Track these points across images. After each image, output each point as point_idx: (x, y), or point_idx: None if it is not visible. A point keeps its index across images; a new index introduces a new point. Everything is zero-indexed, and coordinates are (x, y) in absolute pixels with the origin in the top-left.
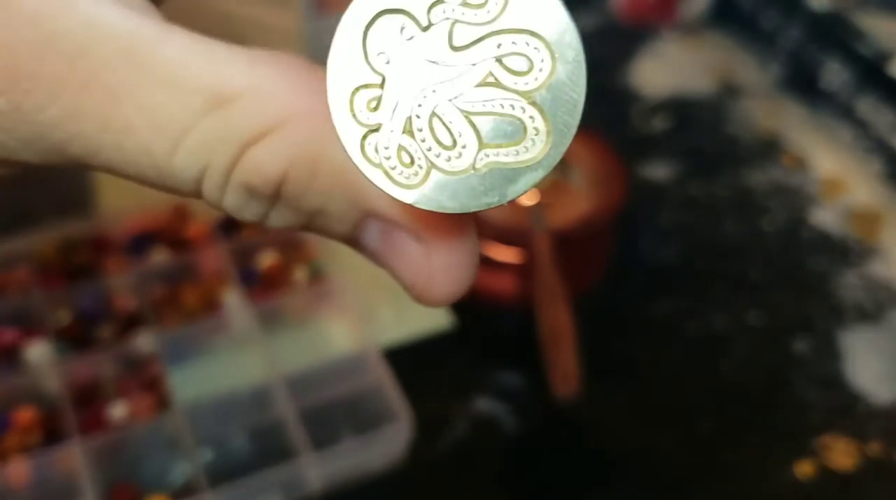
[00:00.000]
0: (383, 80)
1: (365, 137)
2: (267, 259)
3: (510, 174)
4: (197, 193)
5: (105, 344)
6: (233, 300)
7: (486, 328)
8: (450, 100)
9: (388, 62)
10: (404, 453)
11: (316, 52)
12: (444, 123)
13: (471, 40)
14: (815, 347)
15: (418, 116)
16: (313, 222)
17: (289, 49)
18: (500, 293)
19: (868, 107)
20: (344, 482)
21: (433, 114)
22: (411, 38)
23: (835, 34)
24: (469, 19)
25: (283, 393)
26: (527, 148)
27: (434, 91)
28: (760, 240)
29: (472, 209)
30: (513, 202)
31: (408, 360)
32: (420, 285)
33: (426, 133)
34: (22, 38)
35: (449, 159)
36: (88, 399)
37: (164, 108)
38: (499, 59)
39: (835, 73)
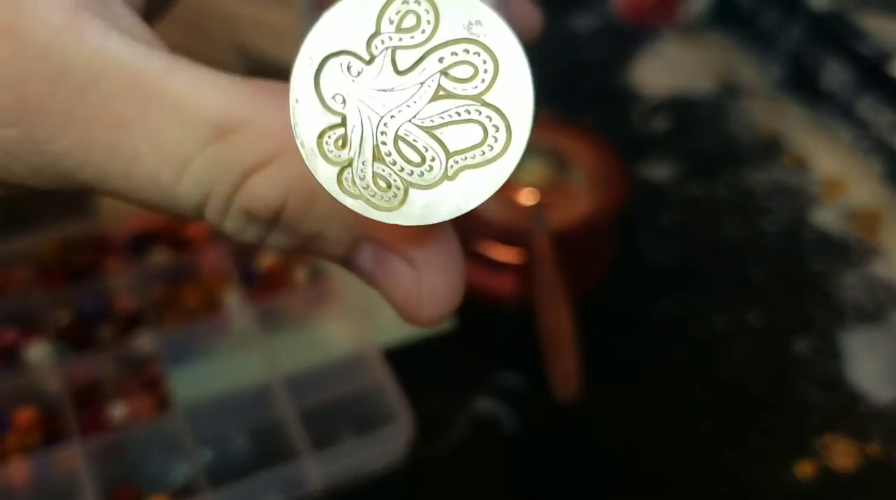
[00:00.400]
0: (343, 118)
1: (340, 173)
2: (267, 260)
3: (482, 174)
4: (199, 217)
5: (105, 344)
6: (233, 301)
7: (487, 328)
8: (409, 120)
9: (343, 101)
10: (405, 453)
11: None
12: (409, 143)
13: (413, 61)
14: (816, 347)
15: (384, 143)
16: (309, 245)
17: (290, 47)
18: (500, 294)
19: (868, 107)
20: (344, 482)
21: (397, 137)
22: (359, 73)
23: (835, 34)
24: (406, 43)
25: (284, 393)
26: (491, 146)
27: (392, 116)
28: (761, 240)
29: (455, 214)
30: (510, 201)
31: (408, 360)
32: (410, 306)
33: (395, 156)
34: (34, 70)
35: (422, 174)
36: (89, 399)
37: (170, 137)
38: (444, 72)
39: (835, 74)
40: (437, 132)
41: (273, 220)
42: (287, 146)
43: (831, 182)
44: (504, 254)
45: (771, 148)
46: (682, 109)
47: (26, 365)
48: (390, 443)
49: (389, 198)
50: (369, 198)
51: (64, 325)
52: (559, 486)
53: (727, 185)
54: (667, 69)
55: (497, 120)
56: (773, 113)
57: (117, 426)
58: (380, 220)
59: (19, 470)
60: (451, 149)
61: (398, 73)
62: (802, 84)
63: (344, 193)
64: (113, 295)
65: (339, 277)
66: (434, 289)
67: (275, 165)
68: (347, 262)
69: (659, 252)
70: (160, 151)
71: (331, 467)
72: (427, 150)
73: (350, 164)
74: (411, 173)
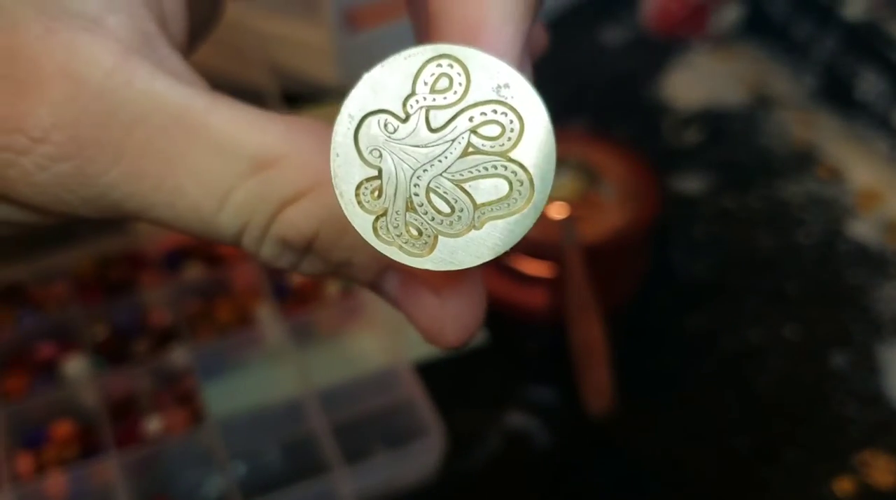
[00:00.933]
0: (380, 171)
1: (376, 221)
2: (299, 274)
3: (506, 225)
4: (237, 244)
5: (140, 358)
6: (266, 315)
7: (519, 343)
8: (440, 174)
9: (380, 156)
10: (437, 468)
11: (345, 68)
12: (440, 195)
13: (446, 120)
14: (854, 361)
15: (416, 194)
16: (340, 271)
17: (320, 64)
18: (532, 308)
19: None
20: (376, 496)
21: (429, 189)
22: (395, 130)
23: (869, 44)
24: (440, 103)
25: (316, 407)
26: (516, 199)
27: (425, 170)
28: (796, 253)
29: (480, 262)
30: (542, 215)
31: (439, 374)
32: (434, 331)
33: (427, 207)
34: (88, 110)
35: (451, 224)
36: (124, 413)
37: (211, 171)
38: (473, 131)
39: (870, 84)
40: (466, 185)
41: (306, 248)
42: (321, 180)
43: (867, 193)
44: (535, 268)
45: (805, 159)
46: (714, 121)
47: (64, 379)
48: (422, 458)
49: (420, 245)
50: (402, 245)
51: (100, 339)
52: None
53: (761, 197)
54: (698, 81)
55: (521, 175)
56: (806, 124)
57: (152, 440)
58: (412, 265)
59: (57, 483)
60: (479, 201)
61: (431, 130)
62: (836, 94)
63: (378, 239)
64: (148, 310)
65: (370, 292)
66: (457, 315)
67: (309, 197)
68: (374, 287)
69: (692, 265)
70: (202, 184)
71: (362, 481)
72: (456, 201)
73: (385, 213)
74: (441, 223)
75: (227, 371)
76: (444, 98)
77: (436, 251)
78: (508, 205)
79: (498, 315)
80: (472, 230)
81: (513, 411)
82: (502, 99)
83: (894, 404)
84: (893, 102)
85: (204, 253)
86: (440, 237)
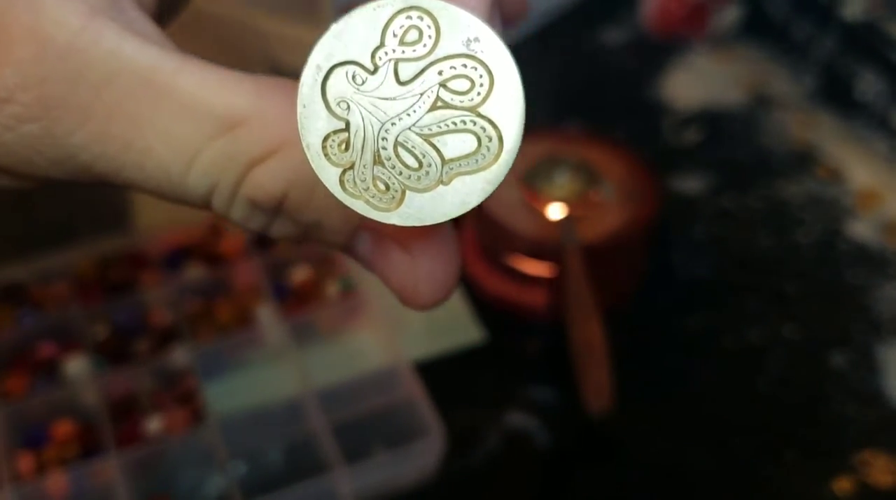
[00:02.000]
0: (347, 124)
1: (343, 174)
2: (299, 274)
3: (474, 181)
4: (207, 206)
5: (141, 358)
6: (266, 315)
7: (518, 343)
8: (408, 128)
9: (347, 108)
10: (436, 467)
11: None
12: (408, 149)
13: (414, 73)
14: (854, 361)
15: (384, 148)
16: (311, 233)
17: None
18: (531, 307)
19: None
20: (376, 495)
21: (397, 143)
22: (363, 82)
23: (869, 44)
24: (409, 56)
25: (316, 407)
26: (484, 155)
27: (393, 124)
28: (795, 253)
29: (447, 218)
30: (541, 215)
31: (438, 374)
32: (408, 290)
33: (395, 161)
34: (54, 71)
35: (419, 179)
36: (125, 413)
37: (179, 132)
38: (443, 84)
39: (869, 84)
40: (434, 140)
41: (276, 209)
42: (289, 139)
43: (867, 194)
44: (535, 268)
45: (804, 159)
46: (713, 121)
47: (64, 379)
48: (422, 457)
49: (388, 200)
50: (369, 199)
51: (101, 339)
52: None
53: (760, 197)
54: (698, 81)
55: (490, 131)
56: (806, 124)
57: (153, 439)
58: (378, 220)
59: (57, 482)
60: (447, 156)
61: (400, 83)
62: (836, 95)
63: (346, 193)
64: (148, 310)
65: (370, 291)
66: (430, 273)
67: (277, 157)
68: (347, 249)
69: (692, 265)
70: (170, 145)
71: (362, 480)
72: (424, 156)
73: (352, 166)
74: (409, 177)
75: (228, 371)
76: (414, 51)
77: (403, 206)
78: (477, 161)
79: (498, 315)
80: (440, 186)
81: (512, 411)
82: (472, 53)
83: (894, 403)
84: (893, 102)
85: (204, 253)
86: (407, 192)
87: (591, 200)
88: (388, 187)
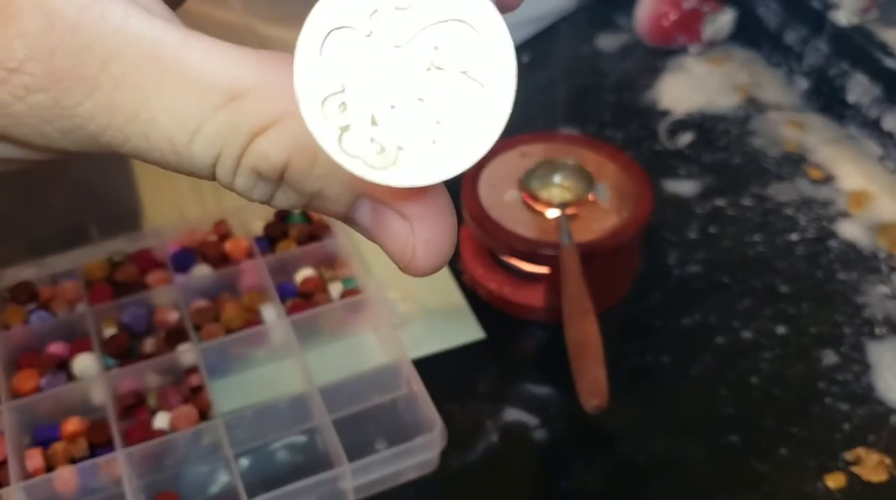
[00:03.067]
0: (344, 86)
1: (339, 136)
2: (304, 274)
3: (468, 142)
4: (212, 177)
5: (149, 357)
6: (271, 314)
7: (516, 340)
8: (403, 90)
9: (344, 70)
10: (437, 461)
11: None
12: (403, 111)
13: (409, 37)
14: (845, 360)
15: (380, 110)
16: (313, 203)
17: None
18: (529, 306)
19: (894, 120)
20: (378, 490)
21: (392, 105)
22: (359, 45)
23: (860, 49)
24: (403, 19)
25: (320, 404)
26: (477, 117)
27: (389, 86)
28: (788, 253)
29: (442, 178)
30: (538, 215)
31: (438, 370)
32: (406, 257)
33: (390, 122)
34: (63, 43)
35: (414, 140)
36: (133, 410)
37: (184, 103)
38: (436, 48)
39: (861, 87)
40: (429, 101)
41: (278, 179)
42: (290, 110)
43: (858, 195)
44: (533, 267)
45: (797, 161)
46: (707, 124)
47: (73, 377)
48: (423, 452)
49: (383, 161)
50: (365, 160)
51: (109, 338)
52: (587, 497)
53: (754, 199)
54: (692, 86)
55: (482, 91)
56: (798, 127)
57: (160, 436)
58: (374, 180)
59: (66, 479)
60: (441, 117)
61: (395, 47)
62: (828, 98)
63: (343, 154)
64: (156, 309)
65: (373, 291)
66: (427, 240)
67: (279, 127)
68: (347, 218)
69: (686, 265)
70: (175, 116)
71: (365, 476)
72: (419, 117)
73: (348, 128)
74: (404, 138)
75: (234, 369)
76: (408, 14)
77: (398, 167)
78: (470, 122)
79: (496, 313)
80: (434, 147)
81: (510, 407)
82: (464, 16)
83: (885, 402)
84: (884, 105)
85: (211, 253)
86: (403, 153)
87: (588, 201)
88: (383, 148)
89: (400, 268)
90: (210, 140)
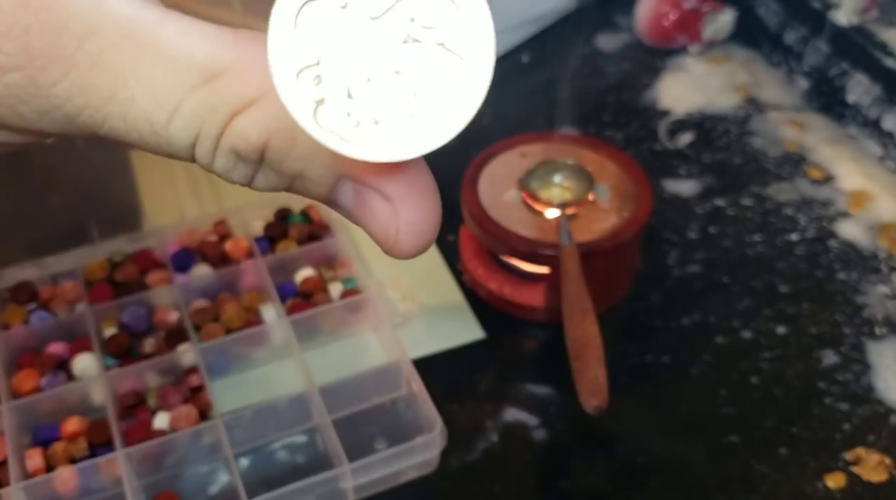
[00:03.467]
0: (319, 59)
1: (315, 110)
2: (304, 274)
3: (445, 116)
4: (191, 158)
5: (149, 357)
6: (271, 314)
7: (516, 340)
8: (379, 62)
9: (320, 43)
10: (437, 461)
11: None
12: (379, 84)
13: (385, 9)
14: (845, 360)
15: (356, 83)
16: (294, 185)
17: None
18: (529, 306)
19: (894, 120)
20: (378, 490)
21: (368, 78)
22: (335, 17)
23: (860, 48)
24: None
25: (320, 404)
26: (455, 90)
27: (365, 58)
28: (788, 253)
29: (418, 153)
30: (538, 215)
31: (438, 370)
32: (390, 239)
33: (365, 95)
34: (38, 21)
35: (391, 114)
36: (133, 410)
37: (161, 82)
38: (413, 20)
39: (861, 86)
40: (405, 74)
41: (258, 159)
42: (269, 89)
43: (858, 195)
44: (533, 268)
45: (797, 161)
46: (707, 124)
47: (73, 377)
48: (424, 452)
49: (359, 135)
50: (341, 134)
51: (109, 338)
52: (587, 497)
53: (754, 198)
54: (692, 86)
55: (460, 64)
56: (798, 127)
57: (160, 436)
58: (350, 155)
59: (66, 479)
60: (418, 91)
61: (371, 19)
62: (828, 98)
63: (318, 128)
64: (156, 309)
65: (373, 291)
66: (410, 222)
67: (257, 106)
68: (330, 201)
69: (686, 265)
70: (153, 95)
71: (365, 475)
72: (396, 91)
73: (323, 101)
74: (380, 112)
75: (234, 369)
76: None
77: (375, 141)
78: (448, 96)
79: (496, 313)
80: (412, 121)
81: (510, 407)
82: None
83: (885, 402)
84: (884, 105)
85: (211, 253)
86: (379, 127)
87: (588, 201)
88: (359, 122)
89: (384, 251)
90: (188, 120)
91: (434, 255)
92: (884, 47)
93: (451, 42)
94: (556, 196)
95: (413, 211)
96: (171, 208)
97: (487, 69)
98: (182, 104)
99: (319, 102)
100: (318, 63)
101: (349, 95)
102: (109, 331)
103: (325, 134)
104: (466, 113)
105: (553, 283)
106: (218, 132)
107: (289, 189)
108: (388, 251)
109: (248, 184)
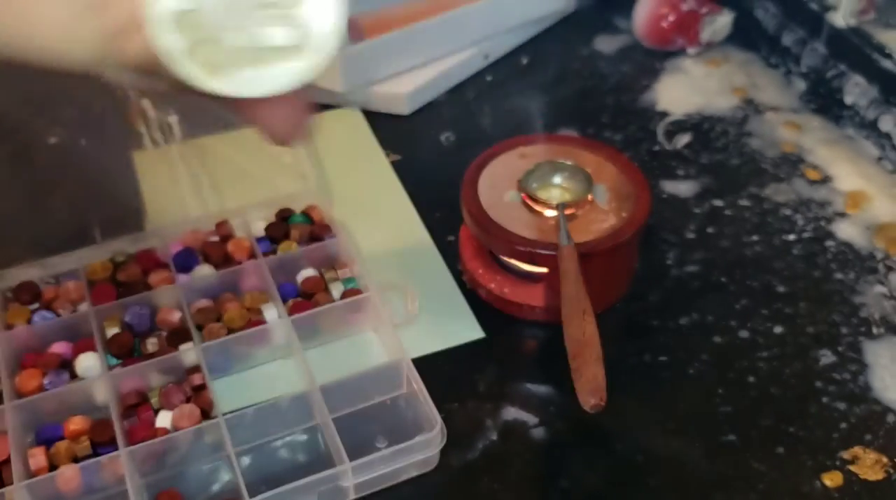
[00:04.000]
0: (196, 6)
1: (186, 49)
2: (305, 274)
3: (287, 70)
4: (103, 76)
5: (151, 356)
6: (273, 314)
7: (516, 340)
8: (244, 17)
9: None
10: (437, 459)
11: (350, 76)
12: (246, 32)
13: None
14: (843, 359)
15: (227, 29)
16: (187, 88)
17: (325, 73)
18: (528, 305)
19: (891, 121)
20: (379, 488)
21: (238, 26)
22: None
23: (857, 50)
24: None
25: (321, 403)
26: (308, 36)
27: (233, 12)
28: (786, 253)
29: (266, 94)
30: (537, 215)
31: (437, 369)
32: (269, 130)
33: (234, 40)
34: None
35: (254, 58)
36: (135, 409)
37: (57, 15)
38: None
39: (858, 88)
40: (261, 30)
41: (153, 72)
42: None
43: (855, 195)
44: (532, 268)
45: (795, 162)
46: (705, 125)
47: (76, 376)
48: (424, 451)
49: (221, 73)
50: (206, 72)
51: (112, 338)
52: (586, 495)
53: (751, 199)
54: (690, 87)
55: (307, 30)
56: (796, 128)
57: (162, 435)
58: (209, 88)
59: (69, 478)
60: (269, 44)
61: None
62: (825, 99)
63: (186, 64)
64: (158, 309)
65: (374, 291)
66: (285, 117)
67: (141, 30)
68: (223, 103)
69: (684, 265)
70: (53, 26)
71: (366, 474)
72: (253, 42)
73: (195, 43)
74: (245, 56)
75: (235, 368)
76: None
77: (232, 79)
78: (302, 41)
79: (496, 313)
80: (266, 66)
81: (509, 406)
82: None
83: (882, 401)
84: (881, 106)
85: (213, 254)
86: (234, 69)
87: (587, 202)
88: (220, 64)
89: (268, 141)
90: (86, 46)
91: (434, 255)
92: (881, 49)
93: (299, 9)
94: (556, 197)
95: (285, 110)
96: (173, 209)
97: (329, 41)
98: (78, 32)
99: (191, 44)
100: (194, 9)
101: (215, 40)
102: (112, 331)
103: (190, 70)
104: (305, 72)
105: (552, 283)
106: (114, 53)
107: (186, 92)
108: (271, 140)
109: (153, 89)
